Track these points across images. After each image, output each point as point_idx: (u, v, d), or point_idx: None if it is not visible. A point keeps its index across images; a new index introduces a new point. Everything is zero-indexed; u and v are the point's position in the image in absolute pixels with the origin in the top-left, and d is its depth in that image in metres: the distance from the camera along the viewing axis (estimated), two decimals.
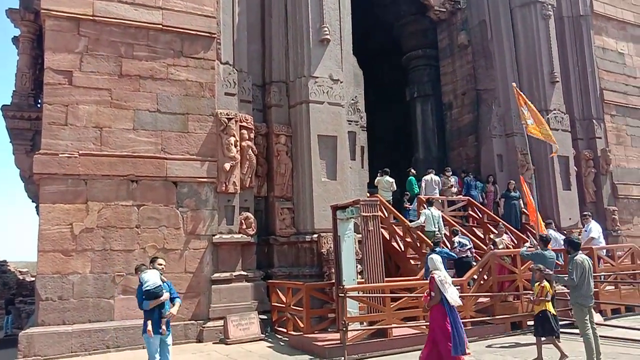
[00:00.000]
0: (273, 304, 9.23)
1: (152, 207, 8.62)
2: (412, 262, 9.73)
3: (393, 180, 11.52)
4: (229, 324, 8.37)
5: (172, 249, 8.68)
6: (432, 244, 8.80)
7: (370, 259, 7.52)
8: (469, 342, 7.63)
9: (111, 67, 8.66)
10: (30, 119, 12.58)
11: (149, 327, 5.77)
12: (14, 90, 13.07)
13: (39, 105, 13.22)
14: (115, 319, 8.12)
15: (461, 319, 7.93)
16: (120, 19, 8.75)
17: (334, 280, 8.66)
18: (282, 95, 10.48)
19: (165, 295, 5.82)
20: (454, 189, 12.21)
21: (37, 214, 18.10)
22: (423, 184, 12.06)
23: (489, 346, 7.43)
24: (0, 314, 18.29)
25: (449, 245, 9.83)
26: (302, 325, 8.19)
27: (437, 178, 12.27)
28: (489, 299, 8.55)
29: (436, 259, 6.31)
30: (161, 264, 6.18)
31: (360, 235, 8.29)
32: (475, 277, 8.72)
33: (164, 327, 5.90)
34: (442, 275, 6.04)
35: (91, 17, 8.56)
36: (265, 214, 10.25)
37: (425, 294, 6.35)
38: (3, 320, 16.75)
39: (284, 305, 8.83)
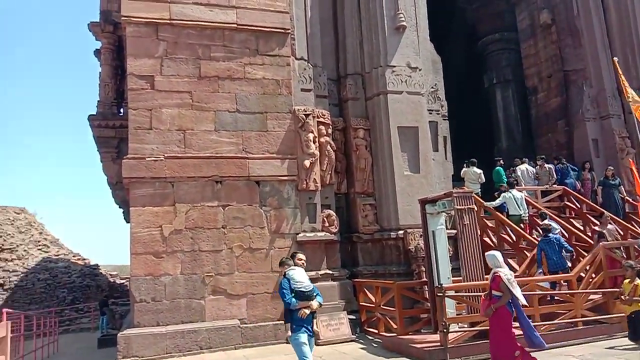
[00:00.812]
0: (361, 303, 8.91)
1: (237, 207, 8.58)
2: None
3: (481, 171, 10.85)
4: (318, 324, 8.14)
5: (258, 248, 8.58)
6: (542, 230, 8.16)
7: (467, 255, 6.99)
8: (582, 344, 6.97)
9: (190, 69, 8.71)
10: (114, 127, 13.13)
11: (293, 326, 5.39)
12: (98, 100, 13.69)
13: (121, 114, 13.81)
14: (206, 319, 8.13)
15: (571, 318, 7.33)
16: (197, 20, 8.77)
17: (424, 279, 8.24)
18: (358, 88, 10.16)
19: (315, 304, 5.41)
20: (552, 179, 11.29)
21: (124, 219, 18.97)
22: (519, 174, 11.28)
23: (611, 347, 6.67)
24: (95, 315, 19.32)
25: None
26: (395, 326, 7.81)
27: (532, 168, 11.46)
28: (601, 295, 7.74)
29: (498, 255, 5.81)
30: (301, 259, 5.86)
31: (450, 231, 7.81)
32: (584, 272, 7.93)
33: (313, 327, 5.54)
34: (507, 272, 5.56)
35: (169, 21, 8.64)
36: (346, 211, 9.97)
37: (483, 297, 5.88)
38: (99, 321, 17.64)
39: (373, 305, 8.49)
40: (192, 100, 8.64)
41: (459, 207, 7.09)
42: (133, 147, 8.29)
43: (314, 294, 5.43)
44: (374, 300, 8.44)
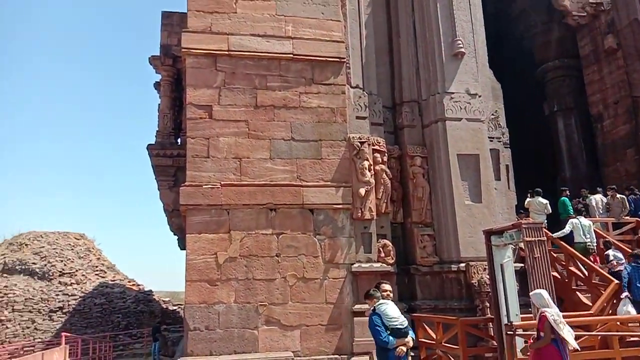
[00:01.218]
0: (420, 339, 8.42)
1: (291, 235, 8.45)
2: (578, 294, 8.41)
3: (547, 201, 10.27)
4: None
5: (312, 278, 8.38)
6: (632, 256, 7.64)
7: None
8: None
9: (247, 99, 8.81)
10: (172, 156, 13.48)
11: None
12: (157, 130, 14.15)
13: (179, 143, 14.19)
14: (259, 350, 7.95)
15: None
16: (254, 51, 8.91)
17: (489, 316, 7.75)
18: (415, 115, 9.95)
19: (410, 340, 5.15)
20: (624, 210, 10.55)
21: (179, 246, 19.30)
22: (593, 203, 10.63)
23: None
24: (148, 341, 19.56)
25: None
26: None
27: (604, 198, 10.78)
28: None
29: (544, 294, 5.50)
30: (387, 291, 5.57)
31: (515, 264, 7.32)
32: None
33: None
34: (554, 313, 5.25)
35: (227, 52, 8.82)
36: (402, 242, 9.63)
37: (531, 339, 5.49)
38: (151, 347, 17.82)
39: (433, 342, 8.03)
40: (248, 129, 8.70)
41: (528, 239, 6.64)
42: (190, 174, 8.39)
43: (409, 329, 5.15)
44: (434, 336, 7.99)
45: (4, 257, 26.24)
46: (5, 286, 22.94)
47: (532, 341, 5.50)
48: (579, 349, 5.84)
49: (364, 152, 8.82)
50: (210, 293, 8.04)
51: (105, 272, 25.52)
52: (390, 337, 4.98)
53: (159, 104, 16.42)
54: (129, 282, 25.58)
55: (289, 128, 8.83)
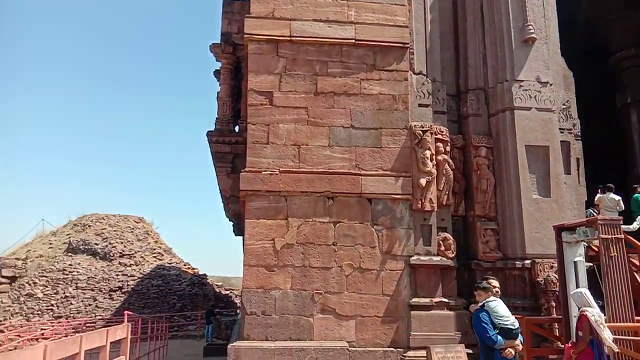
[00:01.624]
0: None
1: (348, 224, 8.33)
2: None
3: (620, 198, 9.62)
4: (433, 356, 7.55)
5: (368, 268, 8.23)
6: None
7: (614, 292, 6.08)
8: None
9: (307, 85, 8.71)
10: (230, 143, 13.61)
11: None
12: (216, 118, 14.35)
13: (237, 131, 14.34)
14: (314, 338, 7.90)
15: None
16: (315, 37, 8.79)
17: (555, 315, 7.34)
18: (480, 104, 9.53)
19: (519, 343, 4.93)
20: None
21: (234, 231, 19.62)
22: None
23: None
24: (201, 324, 20.12)
25: None
26: None
27: None
28: None
29: (585, 293, 5.25)
30: (496, 287, 5.36)
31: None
32: None
33: None
34: (595, 313, 5.06)
35: (288, 38, 8.74)
36: (463, 235, 9.29)
37: (569, 344, 5.35)
38: (204, 329, 18.31)
39: None
40: (307, 116, 8.62)
41: (604, 236, 6.20)
42: (250, 160, 8.41)
43: (519, 331, 4.89)
44: None
45: (69, 237, 27.72)
46: (70, 264, 24.24)
47: (568, 347, 5.41)
48: (617, 351, 5.48)
49: (426, 141, 8.54)
50: (267, 278, 8.06)
51: (162, 255, 26.43)
52: (499, 337, 4.73)
53: (218, 92, 16.68)
54: (184, 265, 26.39)
55: (348, 115, 8.67)
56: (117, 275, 23.39)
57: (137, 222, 29.28)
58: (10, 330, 18.97)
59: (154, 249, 26.56)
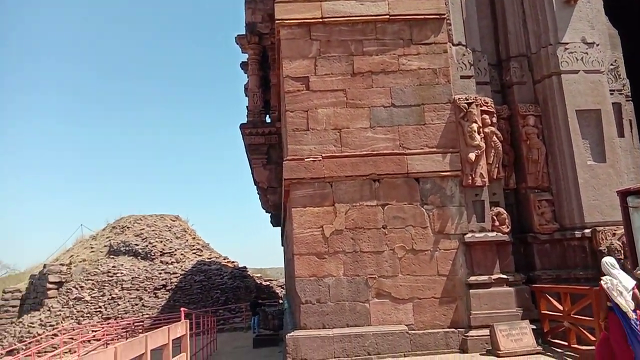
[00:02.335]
0: (543, 311, 7.88)
1: (397, 206, 8.12)
2: None
3: None
4: (497, 334, 7.32)
5: (421, 249, 8.03)
6: None
7: None
8: None
9: (343, 66, 8.49)
10: (264, 134, 13.57)
11: None
12: (247, 109, 14.29)
13: (269, 122, 14.24)
14: (372, 323, 7.77)
15: None
16: (348, 16, 8.54)
17: None
18: (524, 71, 9.15)
19: None
20: None
21: (271, 222, 19.67)
22: None
23: None
24: (246, 316, 20.30)
25: None
26: (593, 338, 6.70)
27: None
28: None
29: (608, 261, 5.59)
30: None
31: None
32: None
33: None
34: (607, 280, 5.45)
35: (320, 20, 8.52)
36: (516, 209, 8.98)
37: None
38: (250, 321, 18.45)
39: (559, 314, 7.44)
40: (346, 98, 8.40)
41: None
42: (292, 148, 8.26)
43: None
44: (560, 308, 7.38)
45: (109, 240, 28.31)
46: (114, 266, 24.76)
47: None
48: (633, 317, 5.39)
49: (471, 114, 8.23)
50: (319, 266, 7.94)
51: (201, 251, 26.74)
52: None
53: (245, 84, 16.61)
54: (223, 259, 26.65)
55: (388, 94, 8.41)
56: (160, 273, 23.77)
57: (174, 221, 29.68)
58: (64, 334, 19.51)
59: (193, 246, 26.89)
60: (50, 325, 21.73)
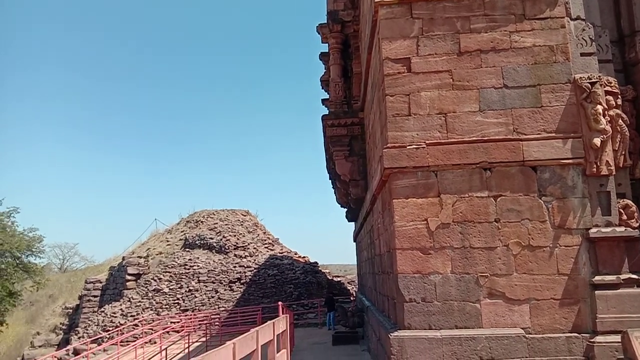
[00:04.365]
0: None
1: (510, 197, 7.39)
2: None
3: None
4: (633, 341, 6.45)
5: (539, 246, 7.26)
6: None
7: None
8: None
9: (449, 46, 7.85)
10: (346, 125, 13.11)
11: None
12: (329, 100, 13.90)
13: (350, 113, 13.76)
14: (483, 325, 7.12)
15: None
16: None
17: None
18: None
19: None
20: None
21: (346, 217, 19.23)
22: None
23: None
24: (321, 311, 20.02)
25: None
26: None
27: None
28: None
29: None
30: None
31: None
32: None
33: None
34: None
35: None
36: None
37: None
38: (325, 317, 18.13)
39: None
40: (452, 80, 7.76)
41: None
42: (392, 135, 7.73)
43: None
44: None
45: (184, 234, 29.02)
46: (190, 259, 25.29)
47: None
48: None
49: (596, 95, 7.34)
50: (423, 262, 7.37)
51: (273, 245, 26.81)
52: None
53: (321, 77, 16.23)
54: (295, 254, 26.57)
55: (499, 74, 7.69)
56: (235, 267, 24.01)
57: (245, 215, 30.00)
58: (145, 325, 20.08)
59: (264, 240, 27.02)
60: (131, 316, 22.48)
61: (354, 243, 20.84)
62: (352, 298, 23.43)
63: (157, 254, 28.12)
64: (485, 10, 7.86)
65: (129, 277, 26.11)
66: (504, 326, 7.11)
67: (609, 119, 7.43)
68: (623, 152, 7.57)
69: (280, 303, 7.47)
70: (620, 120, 7.55)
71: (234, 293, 22.78)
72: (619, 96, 7.71)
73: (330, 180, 18.52)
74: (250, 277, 23.25)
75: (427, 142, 7.60)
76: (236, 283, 23.10)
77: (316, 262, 25.51)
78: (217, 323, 19.99)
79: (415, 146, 7.61)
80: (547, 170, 7.39)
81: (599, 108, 7.32)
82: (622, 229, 7.23)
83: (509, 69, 7.67)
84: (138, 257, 28.22)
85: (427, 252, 7.39)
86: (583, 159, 7.33)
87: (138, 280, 26.07)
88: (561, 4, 7.81)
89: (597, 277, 7.09)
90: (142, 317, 22.02)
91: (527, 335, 6.98)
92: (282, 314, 7.04)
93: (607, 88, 7.57)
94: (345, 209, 18.26)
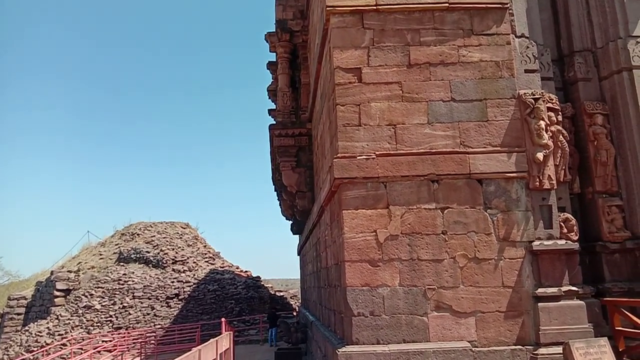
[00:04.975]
0: (617, 328, 7.14)
1: (457, 209, 7.41)
2: None
3: None
4: (573, 353, 6.57)
5: (485, 258, 7.30)
6: None
7: None
8: None
9: (399, 57, 7.84)
10: (294, 136, 12.91)
11: None
12: (276, 110, 13.66)
13: (298, 123, 13.58)
14: (431, 339, 7.02)
15: None
16: (404, 4, 7.90)
17: None
18: (590, 67, 8.49)
19: None
20: None
21: (291, 230, 18.92)
22: None
23: None
24: (263, 327, 19.47)
25: None
26: None
27: None
28: None
29: None
30: None
31: None
32: None
33: None
34: None
35: (374, 8, 7.89)
36: (580, 215, 8.26)
37: None
38: (267, 333, 17.63)
39: (638, 331, 6.69)
40: (402, 91, 7.74)
41: None
42: (343, 145, 7.59)
43: None
44: None
45: (119, 247, 27.59)
46: (124, 274, 23.99)
47: None
48: None
49: (539, 110, 7.54)
50: (372, 275, 7.22)
51: (214, 259, 25.97)
52: None
53: (268, 86, 16.00)
54: (236, 268, 25.86)
55: (447, 87, 7.75)
56: (172, 282, 22.99)
57: (184, 228, 28.97)
58: (74, 344, 18.73)
59: (205, 254, 26.14)
60: (59, 334, 20.93)
61: (298, 257, 20.54)
62: (294, 313, 23.04)
63: (89, 269, 26.52)
64: (435, 24, 7.94)
65: (57, 293, 24.39)
66: (451, 339, 7.05)
67: (550, 134, 7.66)
68: (563, 167, 7.82)
69: (223, 319, 7.07)
70: (561, 136, 7.81)
71: (172, 310, 21.76)
72: (560, 113, 7.99)
73: (275, 192, 18.21)
74: (189, 292, 22.33)
75: (377, 152, 7.51)
76: (174, 299, 22.10)
77: (259, 277, 24.93)
78: (153, 342, 18.97)
79: (365, 157, 7.49)
80: (492, 183, 7.48)
81: (542, 123, 7.52)
82: (563, 242, 7.41)
83: (456, 83, 7.75)
84: (68, 271, 26.49)
85: (376, 265, 7.24)
86: (527, 172, 7.48)
87: (68, 297, 24.41)
88: (507, 21, 8.02)
89: (539, 290, 7.20)
90: (71, 335, 20.53)
91: (473, 349, 6.95)
92: (225, 330, 6.62)
93: (549, 104, 7.82)
94: (291, 222, 17.97)
